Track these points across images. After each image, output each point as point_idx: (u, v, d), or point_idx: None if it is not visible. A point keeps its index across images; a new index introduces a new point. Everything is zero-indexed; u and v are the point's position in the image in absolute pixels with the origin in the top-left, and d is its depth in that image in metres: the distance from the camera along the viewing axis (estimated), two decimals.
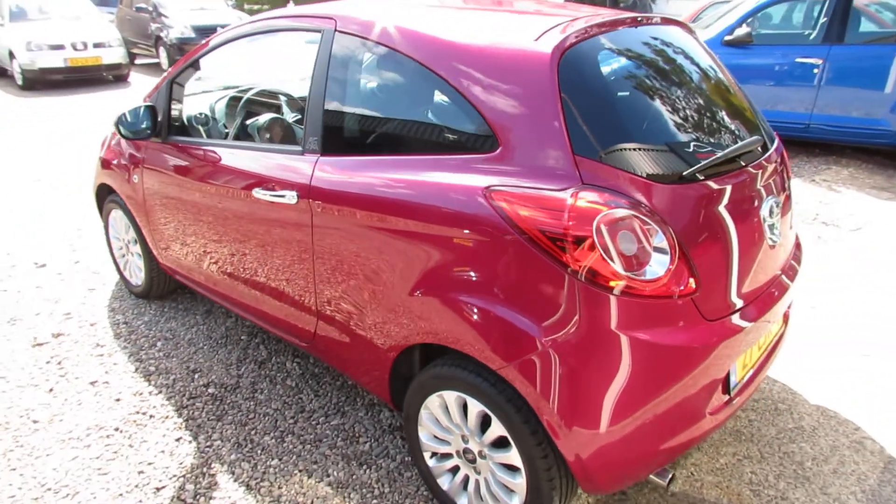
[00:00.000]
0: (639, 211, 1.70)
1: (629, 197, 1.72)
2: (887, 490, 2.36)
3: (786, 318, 2.47)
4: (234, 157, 2.69)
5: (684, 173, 1.82)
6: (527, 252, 1.75)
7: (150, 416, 2.81)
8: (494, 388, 1.89)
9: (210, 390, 2.98)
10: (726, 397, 1.99)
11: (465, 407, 2.04)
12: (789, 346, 3.21)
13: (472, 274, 1.87)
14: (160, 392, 2.97)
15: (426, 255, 1.97)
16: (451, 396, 2.06)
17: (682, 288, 1.75)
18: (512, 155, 1.84)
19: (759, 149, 2.18)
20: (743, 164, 2.03)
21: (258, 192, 2.48)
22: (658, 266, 1.71)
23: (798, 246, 2.51)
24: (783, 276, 2.23)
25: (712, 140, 2.05)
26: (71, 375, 3.11)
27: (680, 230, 1.76)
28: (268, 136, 3.05)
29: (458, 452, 2.14)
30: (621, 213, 1.68)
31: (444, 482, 2.22)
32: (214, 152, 2.79)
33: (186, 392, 2.97)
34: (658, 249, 1.72)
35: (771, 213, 2.08)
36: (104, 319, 3.62)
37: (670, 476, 1.96)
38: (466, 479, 2.16)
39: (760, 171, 2.10)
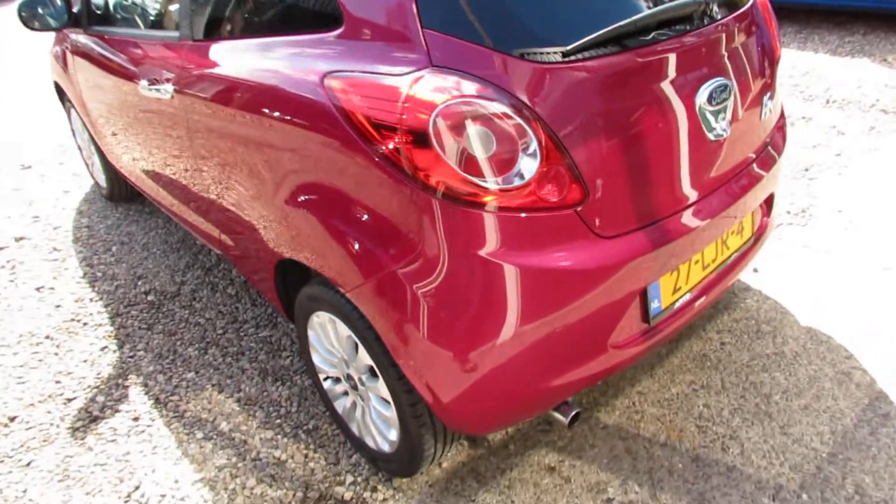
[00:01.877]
0: (494, 98, 1.31)
1: (485, 81, 1.33)
2: (863, 432, 1.98)
3: (761, 228, 2.03)
4: (133, 47, 2.40)
5: (566, 48, 1.38)
6: (366, 154, 1.41)
7: (84, 324, 2.75)
8: (356, 311, 1.62)
9: (149, 297, 2.87)
10: (644, 326, 1.65)
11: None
12: (790, 256, 2.74)
13: (324, 181, 1.56)
14: (101, 299, 2.90)
15: (281, 157, 1.67)
16: (325, 318, 1.82)
17: (557, 198, 1.38)
18: (357, 32, 1.48)
19: (701, 15, 1.65)
20: (666, 35, 1.54)
21: (143, 88, 2.21)
22: (526, 169, 1.34)
23: (779, 140, 2.01)
24: (742, 178, 1.79)
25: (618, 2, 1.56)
26: (20, 280, 3.07)
27: (558, 123, 1.36)
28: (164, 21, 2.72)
29: (344, 377, 1.93)
30: (470, 102, 1.30)
31: (339, 406, 2.03)
32: (122, 43, 2.51)
33: (126, 299, 2.88)
34: (526, 149, 1.34)
35: (712, 99, 1.60)
36: (69, 223, 3.56)
37: (573, 414, 1.67)
38: (355, 405, 1.95)
39: (700, 45, 1.60)
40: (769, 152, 1.93)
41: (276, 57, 1.66)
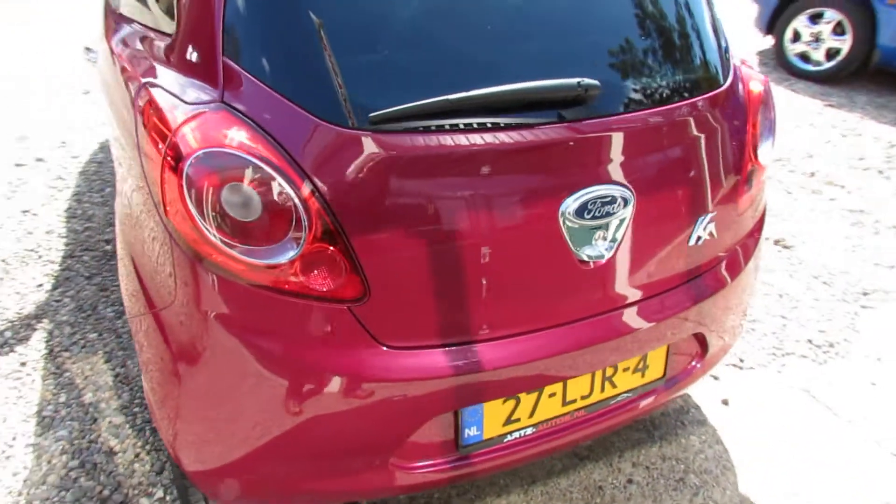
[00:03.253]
0: (263, 158, 1.12)
1: (265, 135, 1.15)
2: None
3: (685, 372, 1.69)
4: None
5: (374, 115, 1.16)
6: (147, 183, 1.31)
7: (39, 257, 2.85)
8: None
9: (107, 247, 2.93)
10: (455, 454, 1.42)
11: None
12: (781, 397, 2.32)
13: (136, 188, 1.46)
14: (67, 236, 2.99)
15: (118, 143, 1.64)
16: None
17: (327, 288, 1.18)
18: (182, 43, 1.36)
19: (593, 103, 1.30)
20: (535, 121, 1.25)
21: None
22: (288, 246, 1.16)
23: (729, 269, 1.65)
24: (643, 311, 1.48)
25: (478, 72, 1.27)
26: (15, 199, 3.25)
27: (342, 201, 1.16)
28: None
29: None
30: (234, 156, 1.13)
31: None
32: None
33: (87, 243, 2.95)
34: (290, 224, 1.15)
35: (585, 211, 1.31)
36: (87, 154, 3.73)
37: None
38: None
39: (582, 142, 1.30)
40: (699, 286, 1.58)
41: (137, 48, 1.60)
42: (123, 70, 1.64)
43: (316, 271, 1.17)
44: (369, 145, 1.16)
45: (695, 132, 1.48)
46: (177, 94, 1.28)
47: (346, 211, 1.16)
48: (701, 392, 2.32)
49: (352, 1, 1.23)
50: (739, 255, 1.68)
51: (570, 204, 1.30)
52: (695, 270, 1.56)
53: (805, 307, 2.79)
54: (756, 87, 1.65)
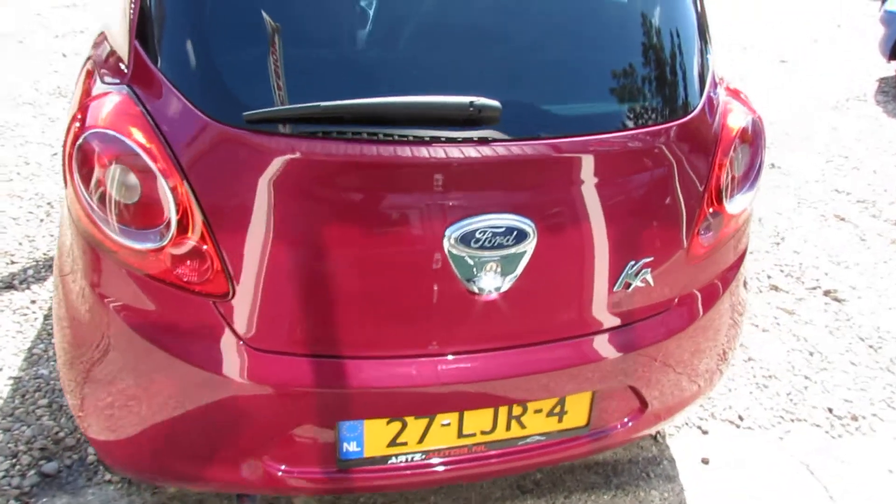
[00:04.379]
0: (140, 144, 1.13)
1: (149, 120, 1.15)
2: None
3: (622, 428, 1.53)
4: None
5: (250, 114, 1.12)
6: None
7: None
8: None
9: None
10: (333, 467, 1.36)
11: None
12: (778, 470, 2.08)
13: None
14: None
15: None
16: None
17: (194, 280, 1.18)
18: (112, 29, 1.45)
19: (502, 124, 1.17)
20: (420, 136, 1.16)
21: None
22: (157, 233, 1.16)
23: (668, 323, 1.45)
24: (555, 353, 1.35)
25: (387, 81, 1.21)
26: None
27: (213, 196, 1.15)
28: None
29: None
30: (117, 139, 1.14)
31: None
32: None
33: None
34: (160, 211, 1.15)
35: (471, 241, 1.20)
36: None
37: None
38: None
39: (482, 164, 1.20)
40: (628, 335, 1.42)
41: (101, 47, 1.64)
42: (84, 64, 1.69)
43: (185, 263, 1.17)
44: (242, 145, 1.14)
45: (627, 168, 1.32)
46: (101, 75, 1.33)
47: (214, 207, 1.15)
48: (681, 444, 2.12)
49: None
50: (697, 304, 1.50)
51: (455, 230, 1.20)
52: (624, 317, 1.40)
53: (837, 370, 2.48)
54: (736, 122, 1.45)
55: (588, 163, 1.28)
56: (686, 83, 1.40)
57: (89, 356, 1.30)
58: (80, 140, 1.15)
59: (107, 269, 1.22)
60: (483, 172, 1.22)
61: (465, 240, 1.20)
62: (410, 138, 1.15)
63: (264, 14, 1.18)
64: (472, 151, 1.18)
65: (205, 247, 1.16)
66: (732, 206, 1.45)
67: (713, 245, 1.47)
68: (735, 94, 1.55)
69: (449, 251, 1.21)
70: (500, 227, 1.21)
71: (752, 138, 1.47)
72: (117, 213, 1.15)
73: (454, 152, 1.18)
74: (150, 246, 1.15)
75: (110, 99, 1.21)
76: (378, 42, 1.28)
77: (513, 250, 1.23)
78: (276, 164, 1.14)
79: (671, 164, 1.37)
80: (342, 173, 1.17)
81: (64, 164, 1.24)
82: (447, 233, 1.20)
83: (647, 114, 1.34)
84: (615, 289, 1.36)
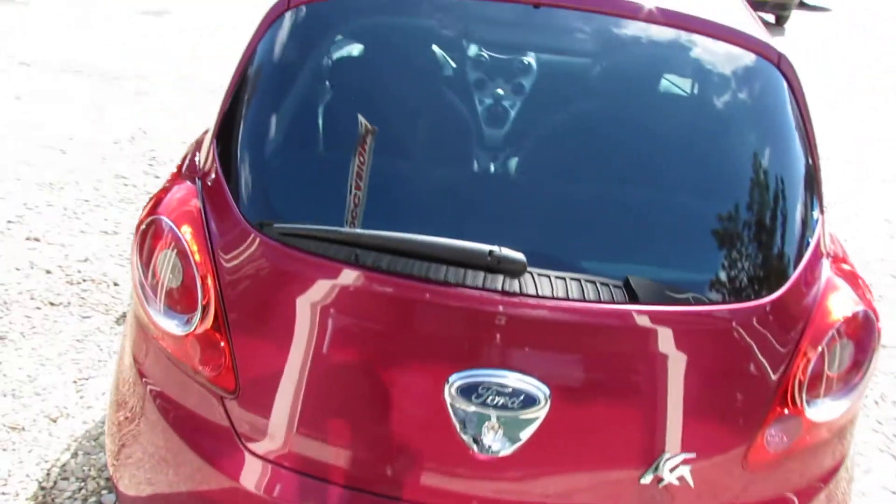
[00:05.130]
0: (184, 234, 1.26)
1: (208, 213, 1.30)
2: None
3: None
4: None
5: (283, 226, 1.22)
6: None
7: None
8: None
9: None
10: None
11: None
12: None
13: None
14: None
15: None
16: None
17: (210, 371, 1.25)
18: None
19: (525, 278, 1.14)
20: (437, 277, 1.15)
21: None
22: (186, 319, 1.27)
23: None
24: None
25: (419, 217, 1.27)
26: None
27: (236, 300, 1.24)
28: None
29: None
30: (166, 225, 1.29)
31: None
32: None
33: None
34: (192, 300, 1.25)
35: (473, 395, 1.13)
36: None
37: None
38: None
39: (491, 314, 1.15)
40: None
41: None
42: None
43: (206, 353, 1.25)
44: (271, 254, 1.22)
45: (677, 347, 1.17)
46: (184, 168, 1.52)
47: (235, 306, 1.23)
48: None
49: (304, 115, 1.38)
50: None
51: (458, 379, 1.14)
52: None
53: None
54: (840, 309, 1.22)
55: (626, 336, 1.17)
56: (780, 252, 1.23)
57: (124, 414, 1.42)
58: (144, 223, 1.30)
59: (145, 344, 1.35)
60: (499, 325, 1.14)
61: (466, 392, 1.13)
62: (428, 276, 1.15)
63: (313, 143, 1.33)
64: (489, 300, 1.13)
65: (221, 343, 1.23)
66: (816, 411, 1.21)
67: (783, 452, 1.23)
68: (850, 277, 1.33)
69: (449, 400, 1.15)
70: (507, 388, 1.12)
71: (860, 334, 1.24)
72: (162, 294, 1.27)
73: (470, 298, 1.13)
74: (178, 328, 1.25)
75: (178, 189, 1.37)
76: (417, 175, 1.34)
77: (519, 414, 1.13)
78: (297, 278, 1.21)
79: (738, 347, 1.18)
80: (355, 300, 1.19)
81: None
82: (450, 379, 1.14)
83: (714, 287, 1.20)
84: (642, 480, 1.18)
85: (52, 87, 4.87)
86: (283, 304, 1.22)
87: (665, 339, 1.16)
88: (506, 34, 1.67)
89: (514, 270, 1.11)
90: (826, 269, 1.29)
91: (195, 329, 1.24)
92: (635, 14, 1.33)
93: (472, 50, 1.75)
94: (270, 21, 1.40)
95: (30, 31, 6.09)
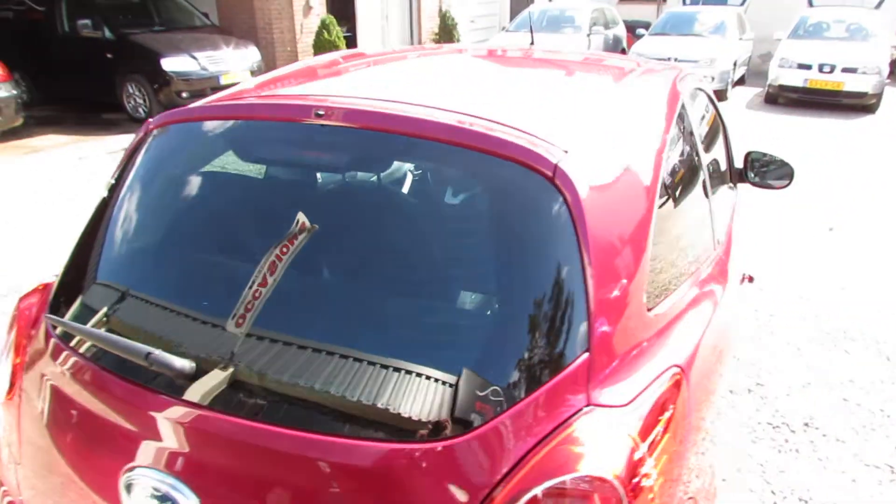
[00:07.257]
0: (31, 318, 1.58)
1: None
2: None
3: None
4: None
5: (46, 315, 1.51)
6: None
7: None
8: None
9: None
10: None
11: None
12: None
13: None
14: None
15: None
16: None
17: None
18: None
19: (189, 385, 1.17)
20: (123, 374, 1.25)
21: None
22: None
23: None
24: None
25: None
26: None
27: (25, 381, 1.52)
28: None
29: None
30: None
31: None
32: None
33: None
34: None
35: (134, 493, 1.20)
36: None
37: None
38: None
39: (147, 416, 1.20)
40: None
41: None
42: None
43: None
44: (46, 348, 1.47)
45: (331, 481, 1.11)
46: None
47: (21, 389, 1.49)
48: None
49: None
50: None
51: (124, 479, 1.21)
52: None
53: None
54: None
55: (266, 455, 1.12)
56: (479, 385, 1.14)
57: None
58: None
59: None
60: (165, 429, 1.17)
61: (129, 489, 1.20)
62: (116, 371, 1.25)
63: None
64: (158, 402, 1.18)
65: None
66: None
67: None
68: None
69: (121, 495, 1.22)
70: (158, 490, 1.15)
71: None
72: None
73: (142, 397, 1.20)
74: None
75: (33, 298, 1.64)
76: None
77: None
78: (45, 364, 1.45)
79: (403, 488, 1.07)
80: (71, 388, 1.35)
81: None
82: (122, 475, 1.21)
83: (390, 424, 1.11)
84: None
85: None
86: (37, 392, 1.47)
87: (316, 471, 1.09)
88: (291, 152, 1.62)
89: (178, 374, 1.12)
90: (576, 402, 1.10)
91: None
92: (418, 132, 1.31)
93: (263, 170, 1.78)
94: None
95: None
